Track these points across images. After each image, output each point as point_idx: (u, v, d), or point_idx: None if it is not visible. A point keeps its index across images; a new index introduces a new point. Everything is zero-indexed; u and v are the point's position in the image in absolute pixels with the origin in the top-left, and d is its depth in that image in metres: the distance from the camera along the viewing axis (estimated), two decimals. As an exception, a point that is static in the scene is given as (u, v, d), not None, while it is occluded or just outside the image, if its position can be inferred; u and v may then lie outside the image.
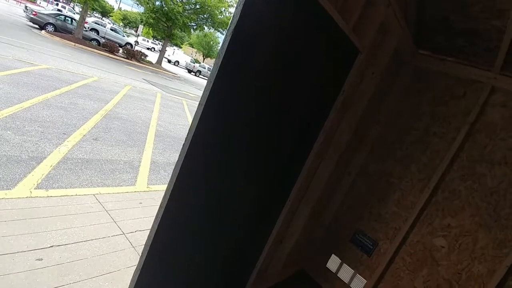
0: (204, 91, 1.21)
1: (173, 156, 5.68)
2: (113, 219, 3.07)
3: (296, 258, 3.01)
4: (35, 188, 3.11)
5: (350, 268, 3.05)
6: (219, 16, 19.41)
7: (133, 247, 2.77)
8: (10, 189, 2.93)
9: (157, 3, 18.29)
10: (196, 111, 1.23)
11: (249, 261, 2.26)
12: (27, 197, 2.92)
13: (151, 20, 18.64)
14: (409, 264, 2.73)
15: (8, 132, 4.01)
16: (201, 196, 1.47)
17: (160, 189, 4.16)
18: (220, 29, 20.31)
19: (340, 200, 3.07)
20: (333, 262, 3.16)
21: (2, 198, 2.73)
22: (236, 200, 1.70)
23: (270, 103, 1.53)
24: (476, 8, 2.15)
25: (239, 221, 1.85)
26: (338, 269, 3.12)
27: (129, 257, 2.62)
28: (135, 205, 3.51)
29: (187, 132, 1.25)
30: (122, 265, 2.50)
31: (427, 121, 2.76)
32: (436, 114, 2.73)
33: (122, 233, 2.91)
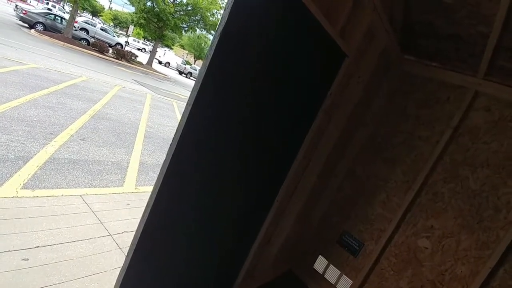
0: (192, 91, 1.23)
1: (162, 157, 5.64)
2: (100, 220, 3.04)
3: (284, 258, 3.04)
4: (21, 188, 3.06)
5: (336, 269, 3.09)
6: (211, 18, 19.43)
7: (119, 248, 2.75)
8: (-6, 189, 2.87)
9: (148, 3, 18.19)
10: (184, 111, 1.25)
11: (237, 260, 2.28)
12: (13, 197, 2.87)
13: (142, 21, 18.51)
14: (394, 264, 2.79)
15: (-7, 131, 3.93)
16: (188, 196, 1.48)
17: (148, 190, 4.13)
18: (212, 31, 20.31)
19: (328, 201, 3.12)
20: (320, 263, 3.19)
21: (-14, 198, 2.68)
22: (223, 200, 1.72)
23: (257, 105, 1.56)
24: (462, 13, 2.22)
25: (227, 220, 1.86)
26: (325, 270, 3.16)
27: (115, 258, 2.60)
28: (123, 206, 3.48)
29: (175, 132, 1.27)
30: (108, 266, 2.48)
31: (413, 124, 2.84)
32: (421, 118, 2.80)
33: (109, 234, 2.88)
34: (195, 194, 1.51)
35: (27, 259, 2.20)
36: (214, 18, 19.44)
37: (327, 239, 3.16)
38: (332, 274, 3.12)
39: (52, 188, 3.30)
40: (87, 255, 2.52)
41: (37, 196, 3.04)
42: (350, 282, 2.98)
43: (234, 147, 1.57)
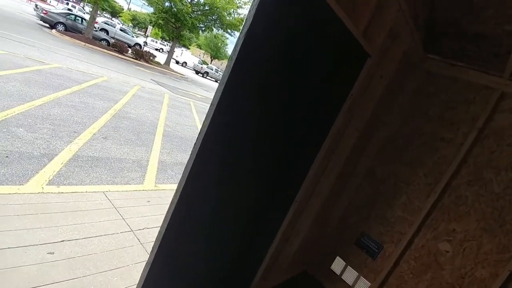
0: (216, 92, 1.25)
1: (180, 156, 5.74)
2: (122, 216, 3.13)
3: (301, 258, 3.04)
4: (47, 184, 3.19)
5: (354, 271, 3.06)
6: (228, 18, 19.54)
7: (141, 244, 2.82)
8: (23, 184, 3.01)
9: (166, 4, 18.48)
10: (208, 111, 1.27)
11: (255, 259, 2.30)
12: (39, 193, 2.99)
13: (160, 21, 18.84)
14: (414, 268, 2.74)
15: (20, 129, 4.11)
16: (210, 195, 1.51)
17: (167, 188, 4.21)
18: (228, 30, 20.43)
19: (347, 202, 3.09)
20: (337, 264, 3.17)
21: (15, 193, 2.81)
22: (243, 200, 1.73)
23: (279, 105, 1.57)
24: (488, 13, 2.15)
25: (245, 221, 1.88)
26: (342, 271, 3.13)
27: (137, 253, 2.67)
28: (143, 203, 3.57)
29: (199, 132, 1.29)
30: (130, 261, 2.55)
31: (436, 125, 2.77)
32: (444, 119, 2.73)
33: (130, 230, 2.96)
34: (217, 193, 1.54)
35: (53, 253, 2.29)
36: (230, 18, 19.54)
37: (345, 240, 3.13)
38: (349, 275, 3.09)
39: (76, 185, 3.43)
40: (110, 250, 2.60)
41: (62, 192, 3.16)
42: (368, 284, 2.94)
43: (256, 147, 1.59)
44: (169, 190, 4.18)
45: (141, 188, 3.92)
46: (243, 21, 18.92)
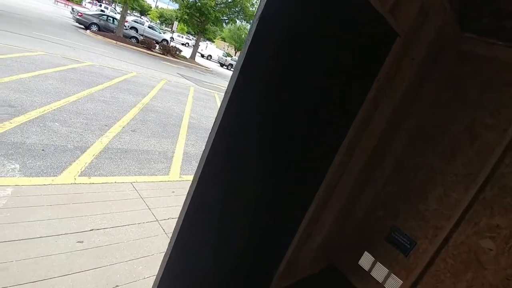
0: (230, 79, 1.19)
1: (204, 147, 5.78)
2: (148, 206, 3.20)
3: (326, 253, 2.93)
4: (79, 175, 3.33)
5: (384, 267, 2.90)
6: (251, 9, 19.36)
7: (165, 233, 2.86)
8: (56, 175, 3.16)
9: (191, -1, 18.66)
10: (223, 99, 1.21)
11: (276, 253, 2.24)
12: (71, 184, 3.13)
13: (185, 16, 19.07)
14: (452, 266, 2.53)
15: (56, 123, 4.33)
16: (226, 185, 1.46)
17: (191, 179, 4.26)
18: (251, 21, 20.25)
19: (374, 195, 2.92)
20: (365, 260, 3.03)
21: (49, 184, 2.96)
22: (258, 190, 1.66)
23: (297, 91, 1.47)
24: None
25: (266, 212, 1.82)
26: (371, 268, 2.99)
27: (162, 243, 2.71)
28: (169, 193, 3.63)
29: (214, 121, 1.24)
30: (155, 250, 2.60)
31: (474, 110, 2.51)
32: (484, 103, 2.47)
33: (156, 220, 3.02)
34: (231, 185, 1.48)
35: (82, 242, 2.38)
36: (253, 8, 19.35)
37: (373, 234, 2.97)
38: (379, 272, 2.94)
39: (106, 176, 3.55)
40: (136, 239, 2.66)
41: (93, 183, 3.29)
42: (400, 282, 2.78)
43: (274, 137, 1.50)
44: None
45: (167, 179, 3.99)
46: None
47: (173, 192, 3.71)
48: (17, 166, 3.02)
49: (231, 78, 1.19)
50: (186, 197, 1.37)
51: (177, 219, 1.45)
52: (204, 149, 1.28)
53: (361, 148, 2.28)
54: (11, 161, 3.05)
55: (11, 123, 3.78)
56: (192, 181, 1.34)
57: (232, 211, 1.58)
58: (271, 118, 1.43)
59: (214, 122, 1.23)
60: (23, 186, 2.76)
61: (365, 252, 3.02)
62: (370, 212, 2.98)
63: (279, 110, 1.44)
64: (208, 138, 1.26)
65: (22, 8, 15.98)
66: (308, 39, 1.36)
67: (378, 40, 1.77)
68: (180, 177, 4.22)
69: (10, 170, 2.90)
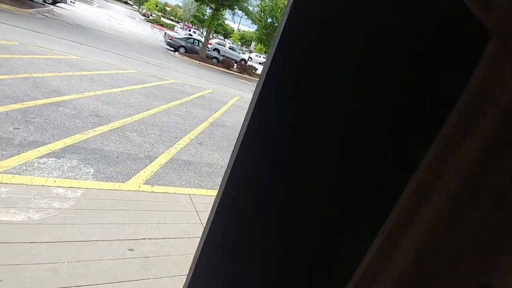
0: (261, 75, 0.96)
1: (268, 164, 5.63)
2: (201, 221, 3.14)
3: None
4: (143, 183, 3.50)
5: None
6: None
7: (213, 252, 2.73)
8: (124, 182, 3.37)
9: (269, 20, 19.38)
10: (250, 103, 0.99)
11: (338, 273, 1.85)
12: (135, 191, 3.29)
13: (263, 37, 19.87)
14: None
15: (133, 133, 4.74)
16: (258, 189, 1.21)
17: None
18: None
19: (464, 236, 2.28)
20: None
21: (116, 190, 3.15)
22: (305, 219, 1.36)
23: (354, 94, 1.16)
24: None
25: (321, 223, 1.49)
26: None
27: (208, 262, 2.58)
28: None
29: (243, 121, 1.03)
30: (200, 269, 2.47)
31: None
32: None
33: (206, 236, 2.92)
34: (271, 187, 1.23)
35: (132, 250, 2.40)
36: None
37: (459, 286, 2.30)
38: None
39: (167, 186, 3.66)
40: (183, 254, 2.59)
41: (154, 192, 3.40)
42: None
43: (317, 147, 1.21)
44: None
45: (224, 194, 3.92)
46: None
47: (229, 208, 3.60)
48: (92, 170, 3.32)
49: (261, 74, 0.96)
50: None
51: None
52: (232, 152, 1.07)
53: (448, 173, 1.78)
54: (87, 165, 3.37)
55: (94, 131, 4.26)
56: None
57: (273, 247, 1.32)
58: (318, 122, 1.15)
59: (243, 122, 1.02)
60: (92, 190, 2.99)
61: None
62: (458, 258, 2.32)
63: (326, 117, 1.15)
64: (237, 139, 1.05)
65: (123, 32, 18.96)
66: (369, 32, 1.06)
67: (465, 40, 1.34)
68: (238, 192, 4.11)
69: (85, 174, 3.20)
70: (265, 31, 19.45)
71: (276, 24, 18.87)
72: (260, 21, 19.59)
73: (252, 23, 22.80)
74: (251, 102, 0.98)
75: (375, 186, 1.48)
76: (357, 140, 1.29)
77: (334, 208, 1.41)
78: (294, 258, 1.44)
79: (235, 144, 1.04)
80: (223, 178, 1.09)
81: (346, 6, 0.98)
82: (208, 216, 1.17)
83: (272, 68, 0.92)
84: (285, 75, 1.04)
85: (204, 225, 3.02)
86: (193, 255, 2.63)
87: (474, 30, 1.28)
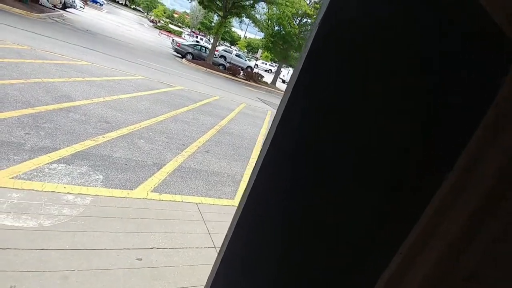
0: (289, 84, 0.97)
1: (275, 173, 5.62)
2: (208, 231, 3.13)
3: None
4: (151, 191, 3.50)
5: None
6: (336, 35, 19.16)
7: (221, 263, 2.71)
8: (132, 189, 3.38)
9: (276, 28, 19.55)
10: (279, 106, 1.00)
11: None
12: (143, 198, 3.29)
13: (270, 44, 20.02)
14: None
15: (142, 140, 4.76)
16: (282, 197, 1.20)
17: (257, 206, 4.09)
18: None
19: (480, 254, 2.24)
20: None
21: (124, 197, 3.16)
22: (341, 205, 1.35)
23: (377, 109, 1.15)
24: None
25: (345, 243, 1.48)
26: None
27: (215, 273, 2.56)
28: (230, 219, 3.51)
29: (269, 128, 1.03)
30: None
31: None
32: None
33: (213, 246, 2.91)
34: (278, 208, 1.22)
35: (141, 259, 2.40)
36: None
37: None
38: None
39: (175, 194, 3.66)
40: (191, 264, 2.57)
41: (162, 200, 3.40)
42: None
43: (342, 162, 1.20)
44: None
45: (231, 203, 3.91)
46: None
47: (236, 217, 3.59)
48: (101, 177, 3.34)
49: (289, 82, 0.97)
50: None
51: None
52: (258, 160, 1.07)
53: (469, 188, 1.76)
54: (96, 172, 3.39)
55: (103, 137, 4.30)
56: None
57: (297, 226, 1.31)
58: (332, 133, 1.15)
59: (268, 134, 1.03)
60: (101, 197, 3.00)
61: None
62: (475, 279, 2.28)
63: (344, 129, 1.15)
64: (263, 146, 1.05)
65: (132, 38, 19.20)
66: (392, 45, 1.07)
67: (491, 56, 1.34)
68: (245, 202, 4.10)
69: (94, 181, 3.22)
70: (272, 39, 19.60)
71: (283, 32, 19.04)
72: (267, 29, 19.76)
73: (258, 31, 23.02)
74: (277, 112, 0.99)
75: (397, 206, 1.46)
76: (386, 157, 1.28)
77: (356, 228, 1.39)
78: (313, 274, 1.43)
79: (259, 155, 1.04)
80: (245, 190, 1.09)
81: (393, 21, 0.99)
82: (227, 230, 1.17)
83: (302, 76, 0.92)
84: (315, 83, 1.04)
85: (211, 235, 2.97)
86: (201, 266, 2.60)
87: (503, 46, 1.28)
